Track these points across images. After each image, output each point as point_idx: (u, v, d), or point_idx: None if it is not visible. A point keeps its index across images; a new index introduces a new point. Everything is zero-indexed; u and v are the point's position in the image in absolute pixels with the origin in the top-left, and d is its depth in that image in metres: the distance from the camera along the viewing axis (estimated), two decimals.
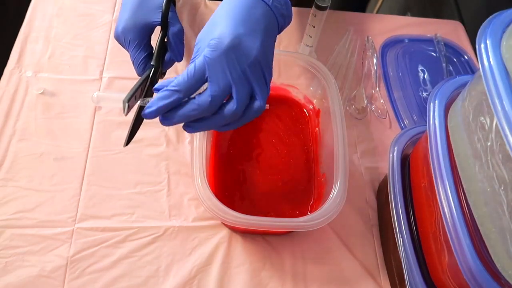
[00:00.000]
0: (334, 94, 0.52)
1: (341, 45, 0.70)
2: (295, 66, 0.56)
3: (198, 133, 0.46)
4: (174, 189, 0.52)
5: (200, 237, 0.49)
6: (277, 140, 0.56)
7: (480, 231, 0.34)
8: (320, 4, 0.58)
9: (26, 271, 0.45)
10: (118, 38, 0.46)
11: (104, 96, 0.44)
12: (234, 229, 0.50)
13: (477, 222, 0.34)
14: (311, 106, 0.59)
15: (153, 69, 0.45)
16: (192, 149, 0.45)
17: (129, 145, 0.54)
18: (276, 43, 0.68)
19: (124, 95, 0.39)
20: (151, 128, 0.56)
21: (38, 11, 0.66)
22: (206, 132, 0.46)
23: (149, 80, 0.44)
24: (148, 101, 0.40)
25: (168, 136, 0.56)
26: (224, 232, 0.50)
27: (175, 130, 0.57)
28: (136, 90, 0.40)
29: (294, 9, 0.73)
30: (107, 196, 0.51)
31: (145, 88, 0.43)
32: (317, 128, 0.57)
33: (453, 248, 0.35)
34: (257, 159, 0.55)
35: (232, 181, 0.52)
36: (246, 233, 0.50)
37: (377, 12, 1.15)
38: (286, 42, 0.69)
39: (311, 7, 0.59)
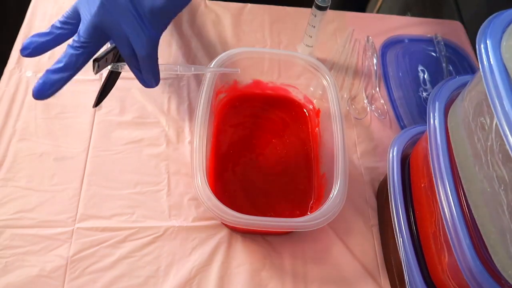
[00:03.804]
0: (334, 94, 0.52)
1: (341, 45, 0.70)
2: (295, 66, 0.56)
3: (198, 133, 0.46)
4: (174, 189, 0.52)
5: (200, 237, 0.49)
6: (277, 140, 0.57)
7: (480, 231, 0.34)
8: (320, 4, 0.58)
9: (26, 271, 0.45)
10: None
11: None
12: (234, 229, 0.50)
13: (477, 222, 0.34)
14: (311, 106, 0.59)
15: None
16: (192, 149, 0.45)
17: (129, 145, 0.55)
18: (276, 43, 0.69)
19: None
20: (151, 128, 0.56)
21: (38, 11, 0.66)
22: (206, 132, 0.46)
23: None
24: (119, 66, 0.39)
25: (168, 136, 0.56)
26: (224, 232, 0.50)
27: (175, 130, 0.57)
28: (108, 53, 0.40)
29: (294, 9, 0.73)
30: (107, 196, 0.51)
31: (117, 54, 0.42)
32: (317, 128, 0.57)
33: (453, 248, 0.35)
34: (257, 159, 0.55)
35: (232, 181, 0.52)
36: (246, 233, 0.50)
37: (377, 12, 1.15)
38: (286, 42, 0.69)
39: (311, 7, 0.59)
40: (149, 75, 0.40)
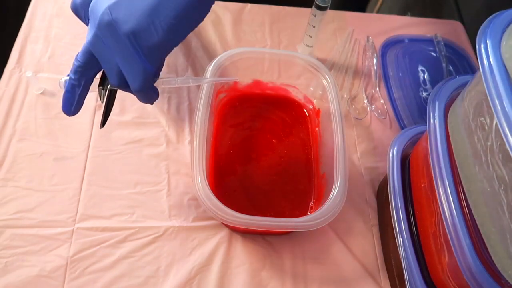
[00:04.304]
0: (334, 94, 0.52)
1: (341, 45, 0.70)
2: (295, 66, 0.56)
3: (198, 133, 0.46)
4: (174, 189, 0.52)
5: (200, 237, 0.49)
6: (277, 140, 0.57)
7: (480, 231, 0.34)
8: (320, 4, 0.58)
9: (26, 271, 0.45)
10: (76, 11, 0.41)
11: None
12: (234, 229, 0.50)
13: (477, 222, 0.34)
14: (311, 106, 0.59)
15: None
16: (192, 149, 0.45)
17: (129, 145, 0.55)
18: (276, 43, 0.69)
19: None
20: (151, 128, 0.56)
21: (38, 11, 0.66)
22: (206, 132, 0.47)
23: None
24: None
25: (168, 136, 0.56)
26: (224, 232, 0.50)
27: (175, 130, 0.57)
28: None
29: (294, 9, 0.73)
30: (107, 196, 0.51)
31: None
32: (317, 128, 0.57)
33: (453, 248, 0.35)
34: (257, 159, 0.55)
35: (232, 181, 0.52)
36: (246, 233, 0.50)
37: (377, 12, 1.15)
38: (286, 42, 0.69)
39: (311, 7, 0.59)
40: (143, 100, 0.39)
